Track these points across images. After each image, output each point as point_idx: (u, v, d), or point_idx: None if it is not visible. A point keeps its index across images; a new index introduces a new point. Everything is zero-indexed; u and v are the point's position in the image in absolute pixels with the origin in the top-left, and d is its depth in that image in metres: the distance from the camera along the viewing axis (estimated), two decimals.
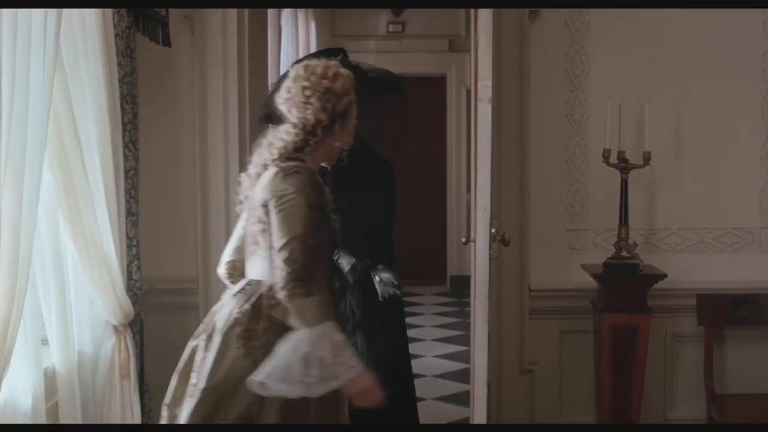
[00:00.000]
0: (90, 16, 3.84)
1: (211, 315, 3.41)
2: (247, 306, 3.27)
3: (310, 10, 8.07)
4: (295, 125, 3.31)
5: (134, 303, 4.26)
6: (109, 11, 4.04)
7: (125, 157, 4.29)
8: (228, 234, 5.01)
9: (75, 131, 3.76)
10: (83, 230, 3.85)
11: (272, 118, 4.13)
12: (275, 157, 3.29)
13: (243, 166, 4.97)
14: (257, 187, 3.31)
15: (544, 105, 5.26)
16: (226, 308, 3.34)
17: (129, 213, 4.36)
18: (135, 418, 4.15)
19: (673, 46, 5.29)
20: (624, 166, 5.05)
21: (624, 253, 5.08)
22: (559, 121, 5.33)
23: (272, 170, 3.26)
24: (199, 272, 5.08)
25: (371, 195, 4.11)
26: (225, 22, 5.01)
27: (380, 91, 4.16)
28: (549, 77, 5.28)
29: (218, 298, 4.97)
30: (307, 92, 3.29)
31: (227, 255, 3.54)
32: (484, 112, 4.07)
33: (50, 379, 3.71)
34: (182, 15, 4.97)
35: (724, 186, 5.36)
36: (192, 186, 5.08)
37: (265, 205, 3.22)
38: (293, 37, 7.24)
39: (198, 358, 3.32)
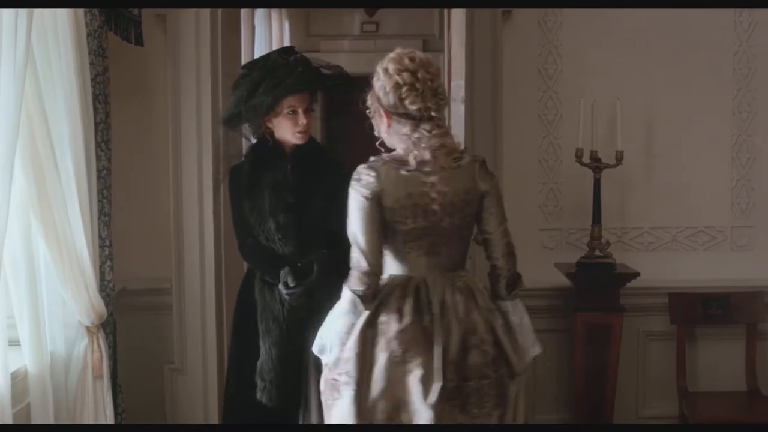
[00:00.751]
0: (62, 15, 3.82)
1: (433, 318, 3.33)
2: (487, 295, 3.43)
3: (284, 10, 8.05)
4: (440, 118, 3.35)
5: (107, 303, 4.24)
6: (81, 10, 4.02)
7: (98, 157, 4.26)
8: (202, 234, 5.02)
9: (47, 131, 3.73)
10: (55, 230, 3.82)
11: (240, 120, 4.09)
12: (461, 149, 3.36)
13: (216, 166, 4.98)
14: (454, 182, 3.31)
15: (516, 104, 5.27)
16: (465, 303, 3.35)
17: (102, 213, 4.34)
18: (108, 419, 4.13)
19: (645, 45, 5.32)
20: (597, 165, 5.07)
21: (597, 252, 5.11)
22: (532, 121, 5.35)
23: (475, 163, 3.34)
24: (173, 272, 5.06)
25: (320, 201, 4.07)
26: (198, 22, 4.98)
27: (332, 89, 4.14)
28: (522, 77, 5.30)
29: (191, 299, 5.02)
30: (435, 83, 3.32)
31: (380, 256, 3.38)
32: (458, 111, 4.10)
33: (22, 381, 3.68)
34: (155, 15, 4.95)
35: (696, 185, 5.40)
36: (165, 186, 5.06)
37: (483, 197, 3.34)
38: (267, 37, 7.22)
39: (436, 360, 3.28)
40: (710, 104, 5.37)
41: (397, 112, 3.31)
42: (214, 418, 5.06)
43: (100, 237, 4.30)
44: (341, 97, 4.19)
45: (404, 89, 3.27)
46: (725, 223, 5.42)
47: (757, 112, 5.37)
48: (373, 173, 3.30)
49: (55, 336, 3.96)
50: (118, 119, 4.67)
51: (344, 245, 4.17)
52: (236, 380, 4.17)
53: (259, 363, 4.00)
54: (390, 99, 3.31)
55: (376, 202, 3.29)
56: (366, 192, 3.29)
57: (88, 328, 4.06)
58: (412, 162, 3.29)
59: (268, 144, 4.04)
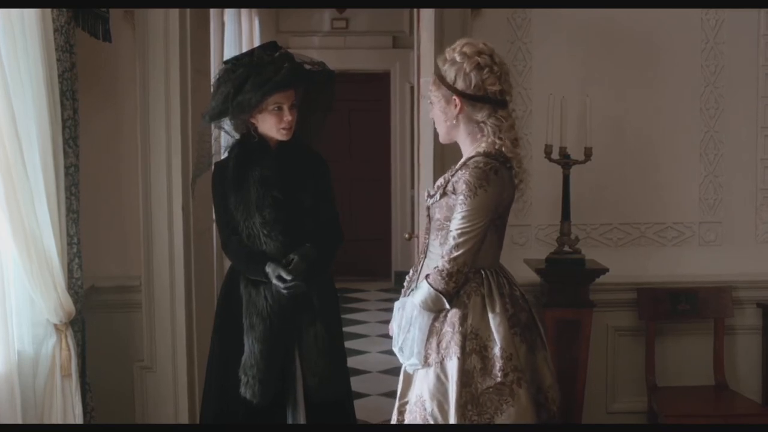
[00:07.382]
0: (28, 10, 3.79)
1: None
2: None
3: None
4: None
5: (75, 301, 4.21)
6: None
7: (65, 153, 4.23)
8: (171, 230, 5.00)
9: (14, 127, 3.70)
10: (23, 228, 3.79)
11: (225, 117, 4.06)
12: None
13: (186, 163, 4.97)
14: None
15: None
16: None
17: (70, 210, 4.30)
18: (77, 418, 4.10)
19: (614, 42, 5.35)
20: (566, 161, 5.09)
21: (566, 248, 5.13)
22: None
23: None
24: (142, 270, 5.03)
25: (307, 198, 4.07)
26: (167, 19, 4.95)
27: (316, 83, 4.13)
28: None
29: (161, 296, 5.00)
30: (507, 67, 3.45)
31: None
32: (427, 108, 4.09)
33: None
34: (123, 10, 4.92)
35: (664, 181, 5.43)
36: (134, 183, 5.03)
37: None
38: (237, 34, 7.19)
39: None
40: (678, 101, 5.40)
41: (475, 95, 3.28)
42: (184, 417, 5.05)
43: (68, 234, 4.27)
44: (326, 94, 4.19)
45: (485, 70, 3.27)
46: (693, 219, 5.46)
47: (724, 109, 5.41)
48: (505, 173, 3.29)
49: (22, 334, 3.93)
50: (86, 116, 4.63)
51: (330, 240, 4.18)
52: (217, 378, 4.16)
53: (243, 358, 4.00)
54: (471, 80, 3.28)
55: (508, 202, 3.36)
56: (504, 192, 3.31)
57: (56, 327, 4.04)
58: (513, 159, 3.34)
59: (254, 140, 4.04)
